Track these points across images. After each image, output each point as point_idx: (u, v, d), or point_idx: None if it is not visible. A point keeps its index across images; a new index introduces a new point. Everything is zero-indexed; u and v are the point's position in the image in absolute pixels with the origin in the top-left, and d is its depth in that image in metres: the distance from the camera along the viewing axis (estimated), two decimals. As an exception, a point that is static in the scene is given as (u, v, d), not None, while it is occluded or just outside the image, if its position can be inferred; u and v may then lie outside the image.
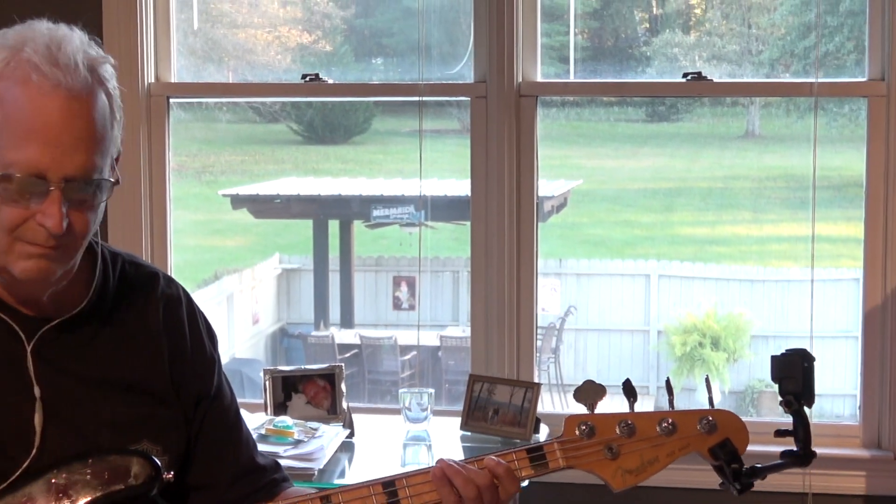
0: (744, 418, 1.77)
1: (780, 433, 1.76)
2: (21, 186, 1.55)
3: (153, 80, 3.71)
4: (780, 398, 1.76)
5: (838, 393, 3.86)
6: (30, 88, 1.54)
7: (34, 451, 1.63)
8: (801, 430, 1.75)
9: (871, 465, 3.45)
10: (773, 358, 1.76)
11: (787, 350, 1.77)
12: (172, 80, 3.75)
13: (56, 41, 1.57)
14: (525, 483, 1.68)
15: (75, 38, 1.60)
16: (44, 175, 1.55)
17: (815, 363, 1.76)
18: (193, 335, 1.82)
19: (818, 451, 1.78)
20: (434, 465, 1.68)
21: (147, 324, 1.76)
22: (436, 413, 3.43)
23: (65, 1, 3.57)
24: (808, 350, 1.76)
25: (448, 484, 1.65)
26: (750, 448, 1.74)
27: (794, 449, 1.76)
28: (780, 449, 1.77)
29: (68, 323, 1.69)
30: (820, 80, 3.43)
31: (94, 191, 1.59)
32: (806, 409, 1.76)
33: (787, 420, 1.78)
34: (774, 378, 1.76)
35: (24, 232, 1.58)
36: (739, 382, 4.98)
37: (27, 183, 1.55)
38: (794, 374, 1.75)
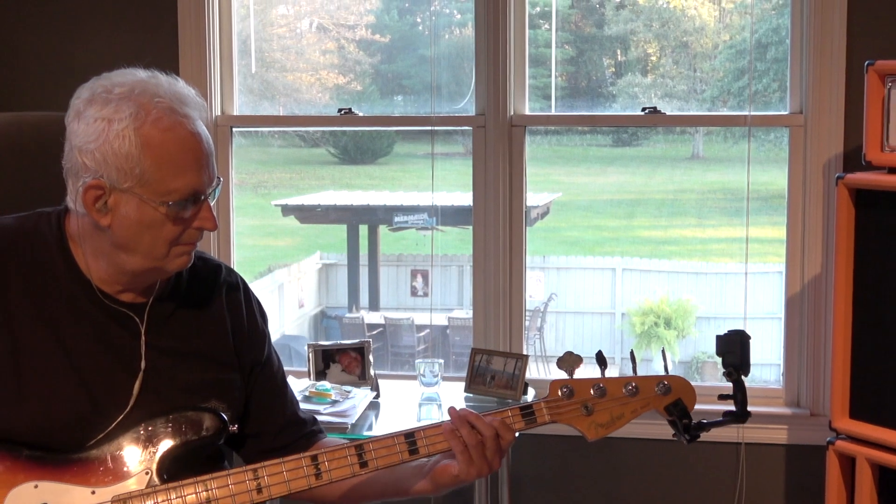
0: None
1: (722, 397, 1.75)
2: (183, 206, 1.56)
3: (220, 114, 3.71)
4: (722, 369, 1.75)
5: (766, 362, 3.84)
6: (176, 131, 1.54)
7: (127, 409, 1.64)
8: (740, 394, 1.74)
9: (791, 420, 3.45)
10: (718, 337, 1.75)
11: (728, 331, 1.76)
12: (235, 114, 3.75)
13: (171, 84, 1.57)
14: (517, 434, 1.67)
15: (178, 78, 1.60)
16: (200, 191, 1.56)
17: (751, 341, 1.75)
18: (249, 314, 1.82)
19: (749, 409, 1.78)
20: (445, 419, 1.68)
21: (213, 305, 1.77)
22: (445, 379, 3.43)
23: (148, 53, 3.59)
24: (745, 330, 1.75)
25: (457, 435, 1.64)
26: (696, 407, 1.74)
27: (734, 409, 1.75)
28: (720, 408, 1.77)
29: (154, 305, 1.69)
30: (752, 114, 3.42)
31: (217, 187, 1.62)
32: (743, 377, 1.75)
33: (727, 385, 1.77)
34: (718, 353, 1.75)
35: (183, 238, 1.59)
36: (687, 354, 4.96)
37: (187, 202, 1.56)
38: (734, 350, 1.74)
